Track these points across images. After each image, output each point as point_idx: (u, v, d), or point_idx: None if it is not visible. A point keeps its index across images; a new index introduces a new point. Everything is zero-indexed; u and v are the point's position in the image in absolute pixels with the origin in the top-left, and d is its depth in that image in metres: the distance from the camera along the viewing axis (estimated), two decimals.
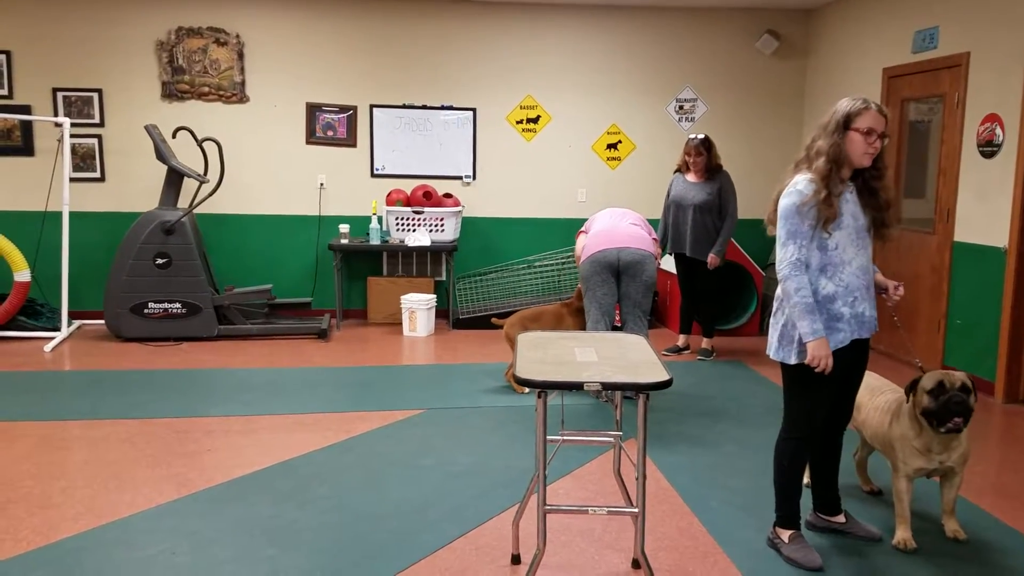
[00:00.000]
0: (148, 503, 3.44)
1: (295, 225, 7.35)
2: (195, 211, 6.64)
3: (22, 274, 6.30)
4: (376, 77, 7.25)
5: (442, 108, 7.35)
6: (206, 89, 7.07)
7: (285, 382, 5.35)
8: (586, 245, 4.94)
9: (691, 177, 5.97)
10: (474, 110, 7.38)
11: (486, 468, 3.89)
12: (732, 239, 6.17)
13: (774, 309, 3.02)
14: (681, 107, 7.55)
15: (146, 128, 6.49)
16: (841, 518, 3.23)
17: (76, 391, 5.08)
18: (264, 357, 6.01)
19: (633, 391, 2.38)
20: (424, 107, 7.33)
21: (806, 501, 3.32)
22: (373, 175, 7.38)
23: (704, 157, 5.84)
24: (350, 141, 7.31)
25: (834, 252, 2.85)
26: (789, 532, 3.06)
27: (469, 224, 7.48)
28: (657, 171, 7.50)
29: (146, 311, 6.35)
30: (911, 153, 6.16)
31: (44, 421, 4.49)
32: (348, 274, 7.44)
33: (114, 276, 6.34)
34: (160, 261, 6.33)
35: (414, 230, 7.04)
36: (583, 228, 5.12)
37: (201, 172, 6.61)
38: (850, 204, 2.88)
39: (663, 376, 2.42)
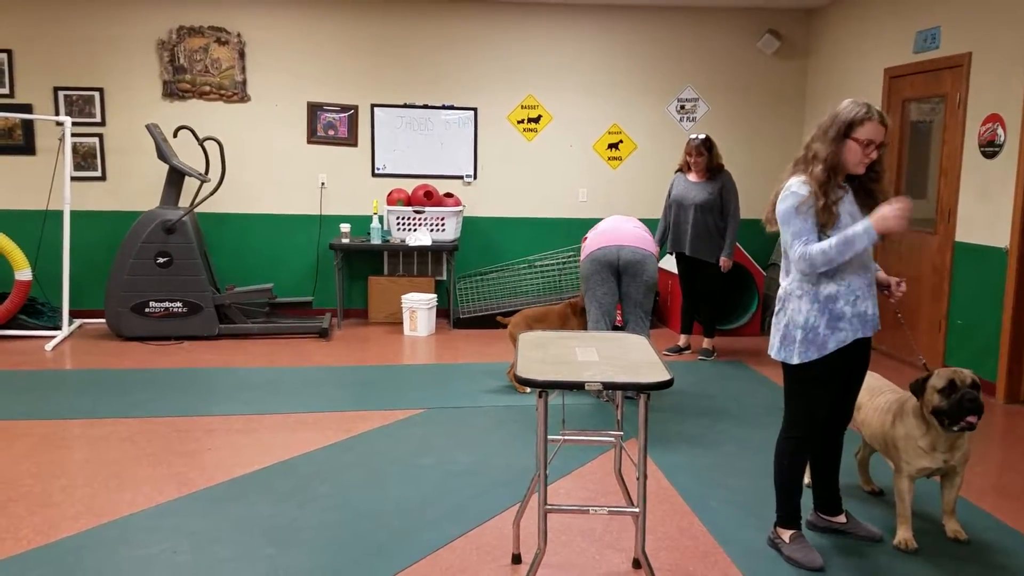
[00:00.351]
0: (149, 502, 3.44)
1: (296, 224, 7.35)
2: (196, 210, 6.64)
3: (23, 273, 6.30)
4: (377, 77, 7.25)
5: (443, 108, 7.35)
6: (207, 88, 7.07)
7: (286, 381, 5.35)
8: (587, 244, 4.94)
9: (692, 177, 5.97)
10: (475, 110, 7.38)
11: (487, 467, 3.89)
12: None
13: (776, 309, 3.02)
14: (682, 107, 7.55)
15: (147, 127, 6.49)
16: (842, 518, 3.23)
17: (77, 390, 5.08)
18: (265, 356, 6.01)
19: (634, 391, 2.38)
20: (425, 107, 7.33)
21: (807, 501, 3.32)
22: (374, 174, 7.38)
23: (705, 157, 5.84)
24: (351, 140, 7.31)
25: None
26: (790, 532, 3.06)
27: (470, 224, 7.48)
28: (658, 171, 7.50)
29: (147, 310, 6.35)
30: (912, 153, 6.16)
31: (45, 420, 4.49)
32: (349, 273, 7.44)
33: (115, 275, 6.34)
34: (161, 260, 6.33)
35: (415, 229, 7.04)
36: (587, 234, 5.10)
37: (202, 171, 6.61)
38: (847, 204, 2.88)
39: (664, 376, 2.42)
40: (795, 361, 2.91)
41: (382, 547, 3.07)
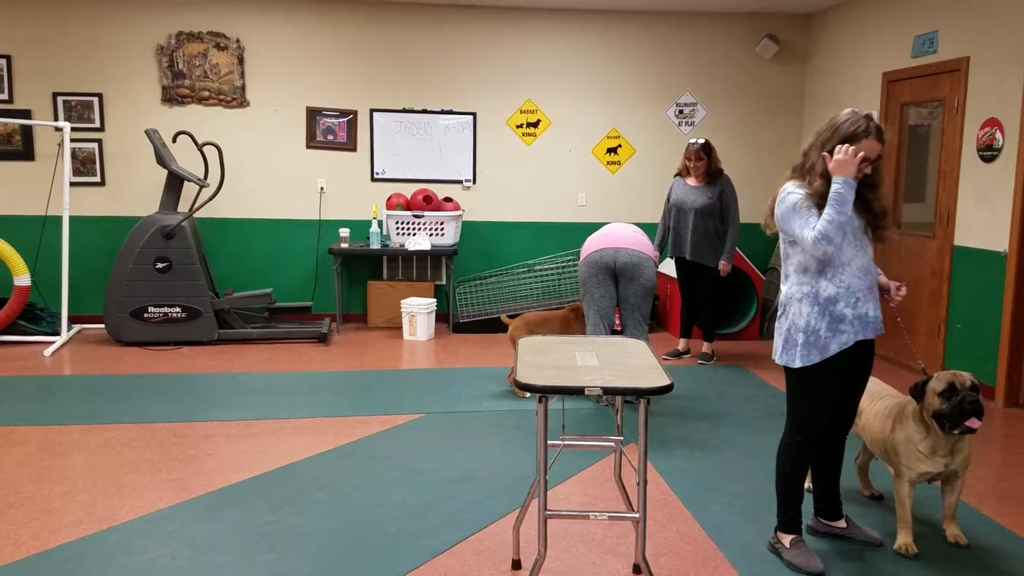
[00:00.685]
0: (148, 508, 3.44)
1: (295, 229, 7.35)
2: (195, 215, 6.64)
3: (22, 278, 6.29)
4: (376, 81, 7.25)
5: (442, 112, 7.35)
6: (206, 93, 7.08)
7: (285, 386, 5.34)
8: (584, 247, 4.94)
9: (692, 181, 5.97)
10: (474, 114, 7.38)
11: (486, 472, 3.89)
12: None
13: (778, 314, 3.02)
14: (681, 111, 7.56)
15: (146, 132, 6.49)
16: (842, 523, 3.23)
17: (76, 395, 5.07)
18: (264, 361, 6.00)
19: (634, 396, 2.37)
20: (424, 111, 7.33)
21: (807, 506, 3.32)
22: (373, 179, 7.38)
23: (704, 161, 5.85)
24: (350, 145, 7.31)
25: (833, 254, 2.86)
26: (790, 537, 3.06)
27: (469, 228, 7.48)
28: (657, 175, 7.51)
29: (146, 315, 6.35)
30: (911, 157, 6.16)
31: (44, 425, 4.48)
32: (348, 278, 7.44)
33: (114, 280, 6.34)
34: (160, 265, 6.33)
35: (414, 234, 7.05)
36: (586, 240, 5.10)
37: (201, 176, 6.62)
38: None
39: (664, 381, 2.42)
40: (797, 365, 2.91)
41: (382, 553, 3.07)
